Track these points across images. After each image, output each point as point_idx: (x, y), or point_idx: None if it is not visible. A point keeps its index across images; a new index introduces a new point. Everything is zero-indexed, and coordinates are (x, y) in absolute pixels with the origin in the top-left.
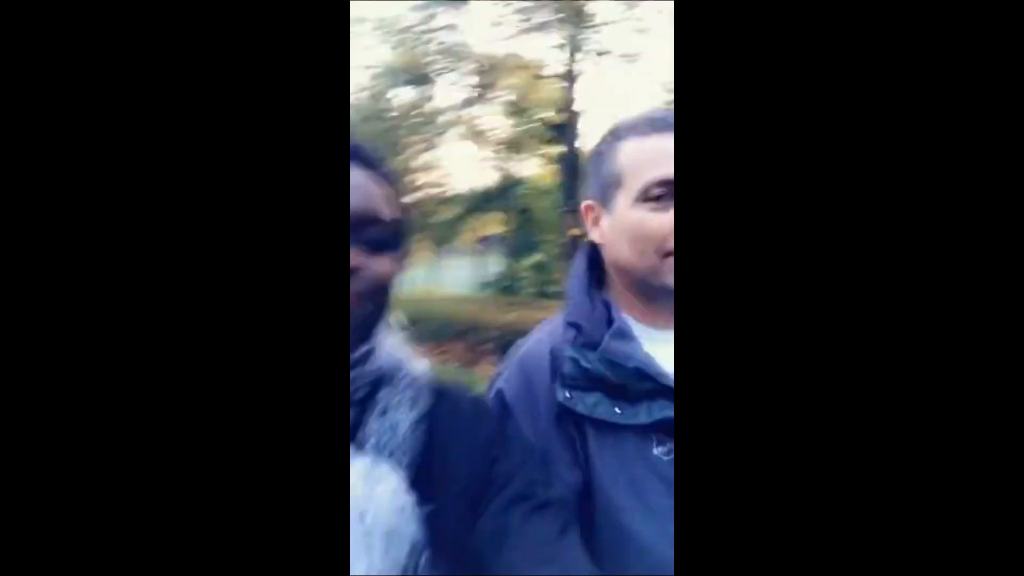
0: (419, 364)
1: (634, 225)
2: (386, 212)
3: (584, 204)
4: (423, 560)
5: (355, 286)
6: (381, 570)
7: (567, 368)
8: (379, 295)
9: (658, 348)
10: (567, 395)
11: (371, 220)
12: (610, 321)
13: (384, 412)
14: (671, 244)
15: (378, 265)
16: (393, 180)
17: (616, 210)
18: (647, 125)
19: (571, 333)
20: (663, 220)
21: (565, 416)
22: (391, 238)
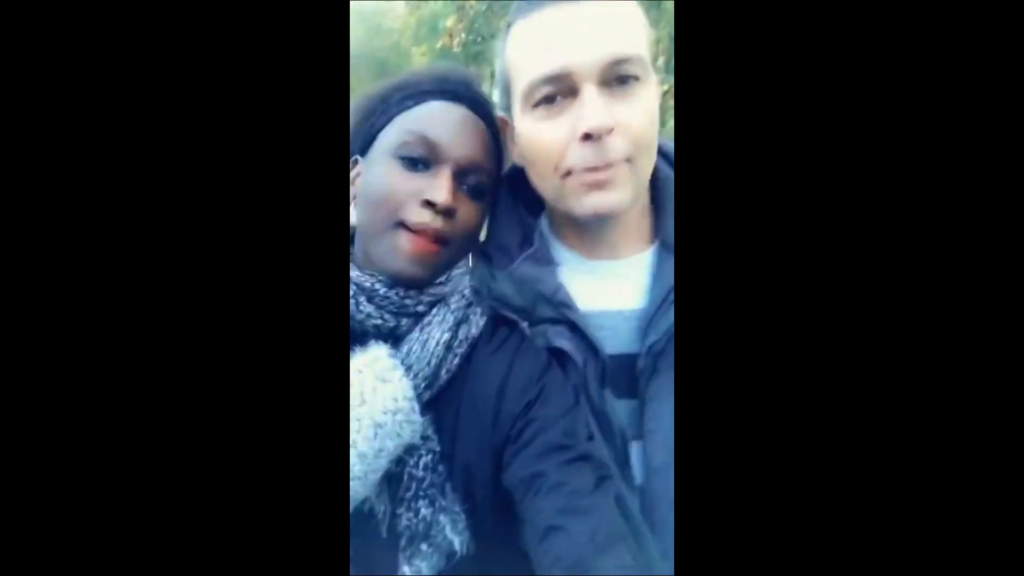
0: (480, 295)
1: (526, 139)
2: (488, 161)
3: (498, 116)
4: (423, 461)
5: (448, 228)
6: (365, 450)
7: (476, 283)
8: (467, 239)
9: (586, 279)
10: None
11: (475, 167)
12: (527, 245)
13: (425, 326)
14: (570, 160)
15: (470, 210)
16: (496, 126)
17: (515, 121)
18: None
19: (490, 255)
20: (554, 130)
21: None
22: (488, 187)
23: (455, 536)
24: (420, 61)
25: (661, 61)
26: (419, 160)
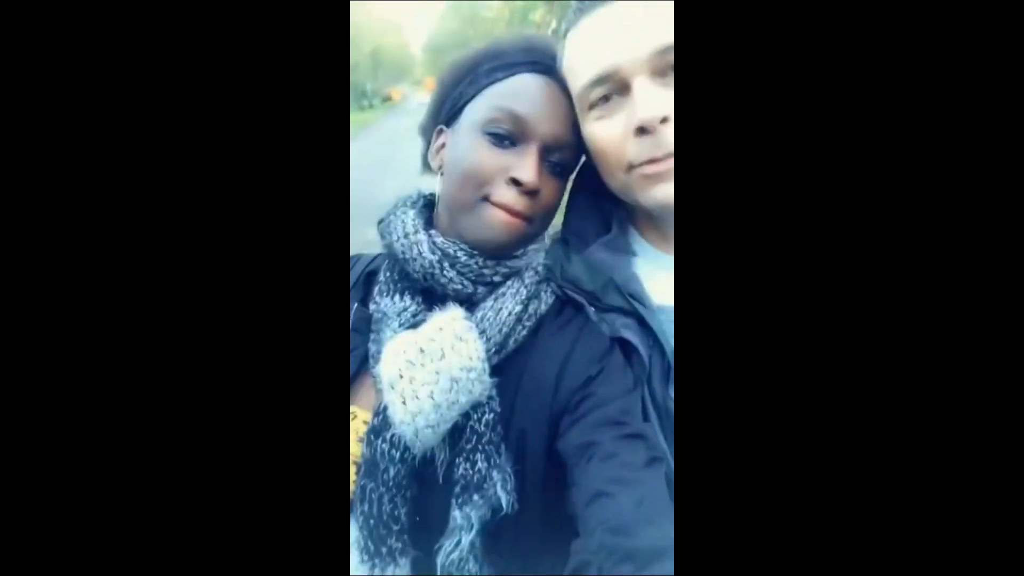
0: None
1: (590, 141)
2: (572, 137)
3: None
4: (485, 418)
5: (531, 206)
6: (440, 401)
7: (550, 262)
8: (547, 216)
9: (661, 273)
10: (560, 291)
11: (561, 145)
12: (604, 232)
13: (499, 296)
14: (630, 155)
15: (552, 188)
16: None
17: (581, 124)
18: None
19: (568, 238)
20: (612, 127)
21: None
22: (570, 163)
23: (503, 494)
24: None
25: None
26: (507, 136)
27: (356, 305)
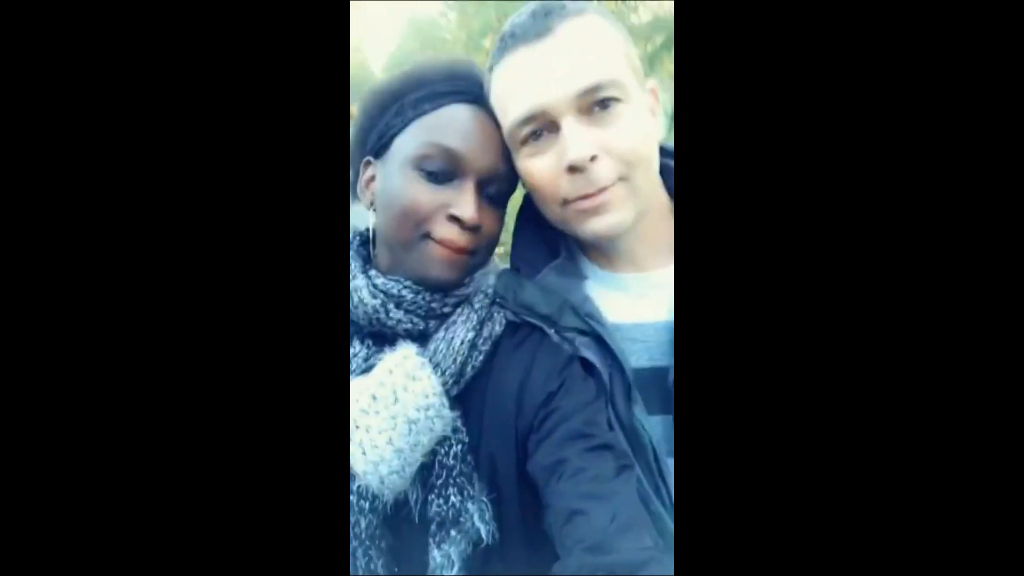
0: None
1: (524, 175)
2: (506, 166)
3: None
4: (453, 451)
5: (474, 240)
6: (401, 446)
7: (501, 290)
8: (491, 245)
9: (613, 292)
10: (511, 315)
11: (497, 176)
12: (553, 257)
13: (450, 325)
14: (564, 190)
15: (493, 219)
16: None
17: (514, 159)
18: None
19: (517, 266)
20: (544, 164)
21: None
22: (507, 191)
23: (481, 524)
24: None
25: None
26: (442, 172)
27: None
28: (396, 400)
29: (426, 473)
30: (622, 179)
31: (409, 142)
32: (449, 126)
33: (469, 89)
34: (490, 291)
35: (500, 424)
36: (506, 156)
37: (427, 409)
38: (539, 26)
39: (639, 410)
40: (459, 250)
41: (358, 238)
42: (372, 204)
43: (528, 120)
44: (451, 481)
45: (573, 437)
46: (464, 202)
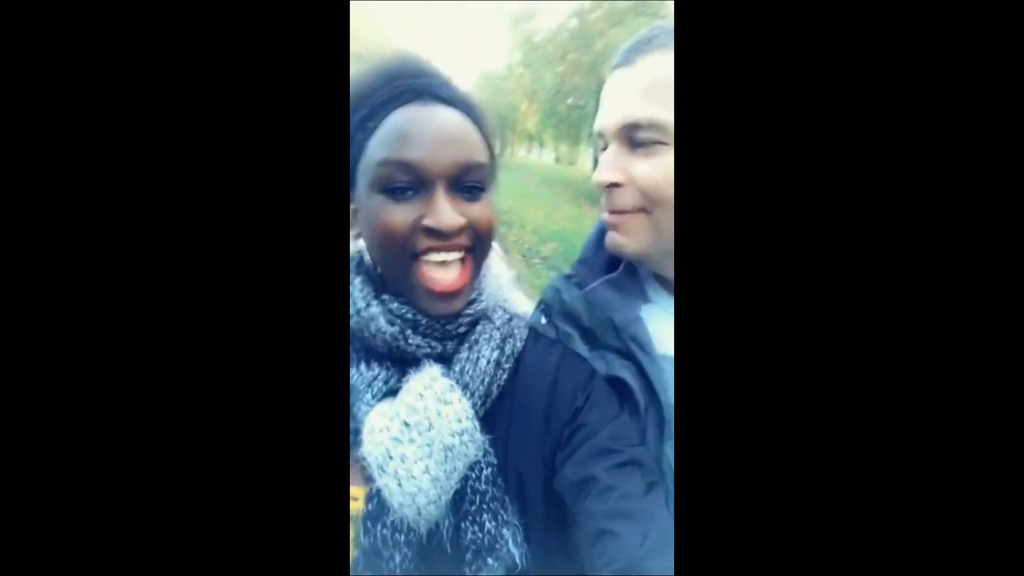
0: (520, 307)
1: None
2: (480, 151)
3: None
4: (484, 474)
5: (464, 239)
6: (438, 474)
7: (547, 295)
8: (488, 235)
9: (671, 320)
10: (542, 320)
11: (468, 168)
12: (610, 270)
13: (473, 345)
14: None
15: (480, 209)
16: (484, 120)
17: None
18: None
19: (573, 273)
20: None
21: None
22: (491, 174)
23: (516, 549)
24: (528, 112)
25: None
26: (407, 188)
27: None
28: (431, 427)
29: (457, 499)
30: (643, 210)
31: (366, 167)
32: (398, 137)
33: (411, 87)
34: (508, 305)
35: (527, 444)
36: (474, 140)
37: (462, 434)
38: (627, 55)
39: (669, 448)
40: (450, 260)
41: (360, 262)
42: (358, 235)
43: (597, 136)
44: (484, 507)
45: (600, 453)
46: (436, 210)
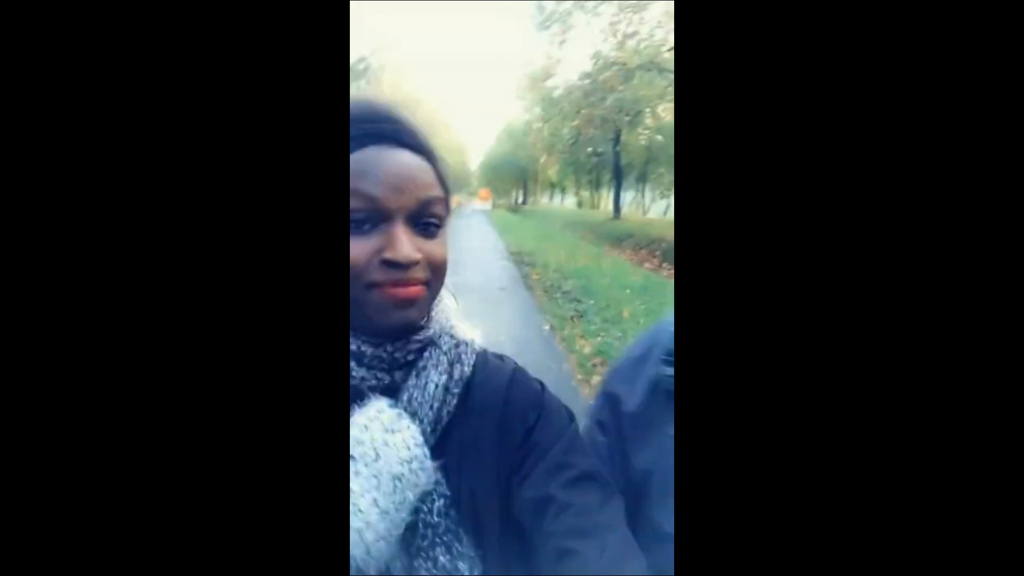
0: (467, 332)
1: None
2: (435, 188)
3: None
4: (436, 506)
5: (420, 273)
6: (387, 506)
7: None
8: (442, 271)
9: None
10: (667, 372)
11: (424, 203)
12: None
13: (420, 371)
14: None
15: (435, 245)
16: (437, 158)
17: None
18: None
19: None
20: None
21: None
22: (445, 210)
23: None
24: (548, 163)
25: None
26: (365, 220)
27: None
28: (377, 457)
29: (409, 535)
30: None
31: None
32: (362, 172)
33: (375, 130)
34: (452, 331)
35: (480, 469)
36: (430, 180)
37: (411, 461)
38: None
39: (636, 460)
40: (406, 294)
41: None
42: None
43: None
44: (437, 540)
45: (555, 469)
46: (394, 244)
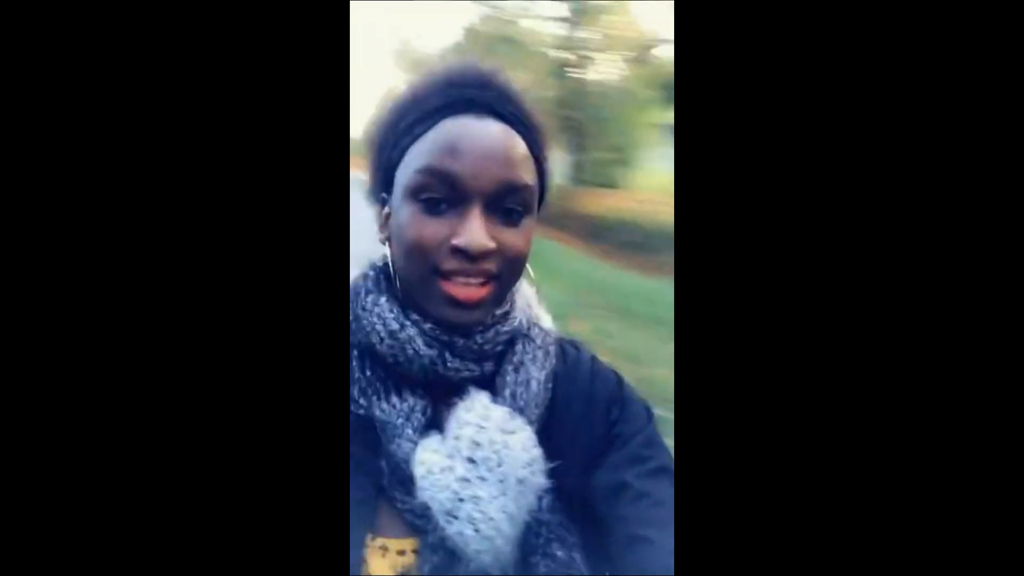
0: (547, 322)
1: None
2: (526, 173)
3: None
4: (545, 502)
5: (491, 266)
6: (514, 511)
7: None
8: (517, 266)
9: None
10: None
11: (510, 189)
12: None
13: (519, 366)
14: None
15: (514, 238)
16: (541, 143)
17: None
18: None
19: None
20: None
21: None
22: (533, 199)
23: (587, 570)
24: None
25: None
26: (442, 200)
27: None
28: (500, 462)
29: (524, 534)
30: None
31: (405, 173)
32: (444, 147)
33: (467, 96)
34: (539, 320)
35: (569, 463)
36: (523, 162)
37: (532, 464)
38: None
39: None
40: (473, 285)
41: (381, 277)
42: (387, 240)
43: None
44: (553, 537)
45: (632, 460)
46: (467, 230)
